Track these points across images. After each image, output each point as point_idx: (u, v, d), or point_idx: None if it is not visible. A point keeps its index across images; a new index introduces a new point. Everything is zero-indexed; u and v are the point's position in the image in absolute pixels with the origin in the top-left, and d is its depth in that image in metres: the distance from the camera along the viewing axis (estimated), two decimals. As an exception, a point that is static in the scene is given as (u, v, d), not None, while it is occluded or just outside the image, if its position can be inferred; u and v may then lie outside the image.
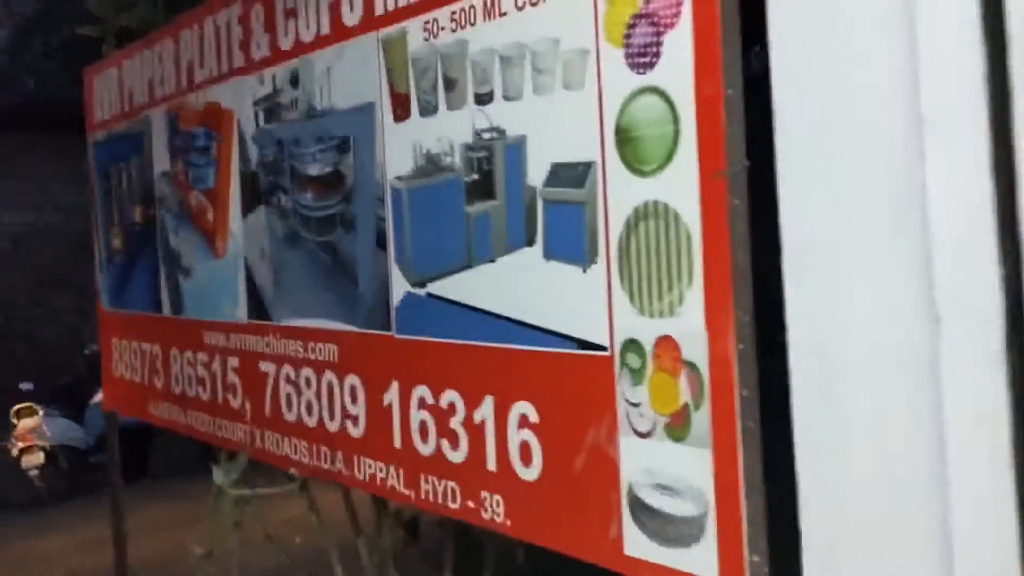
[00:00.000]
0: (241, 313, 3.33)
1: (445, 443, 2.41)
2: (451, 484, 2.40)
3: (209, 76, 3.45)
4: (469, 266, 2.30)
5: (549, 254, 2.08)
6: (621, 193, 1.89)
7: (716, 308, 1.73)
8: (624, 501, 1.93)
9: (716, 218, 1.72)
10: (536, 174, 2.09)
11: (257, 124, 3.16)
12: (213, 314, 3.53)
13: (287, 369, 3.07)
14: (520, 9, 2.10)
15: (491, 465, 2.26)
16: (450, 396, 2.39)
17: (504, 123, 2.17)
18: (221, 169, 3.39)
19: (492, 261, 2.23)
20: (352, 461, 2.78)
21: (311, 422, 2.96)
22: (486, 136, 2.23)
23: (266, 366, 3.19)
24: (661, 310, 1.83)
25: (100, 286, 4.66)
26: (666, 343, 1.82)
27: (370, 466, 2.70)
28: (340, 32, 2.72)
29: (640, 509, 1.89)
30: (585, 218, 1.98)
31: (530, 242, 2.12)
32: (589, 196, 1.96)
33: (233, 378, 3.42)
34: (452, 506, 2.39)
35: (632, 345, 1.89)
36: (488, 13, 2.19)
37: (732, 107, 1.69)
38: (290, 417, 3.07)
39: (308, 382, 2.97)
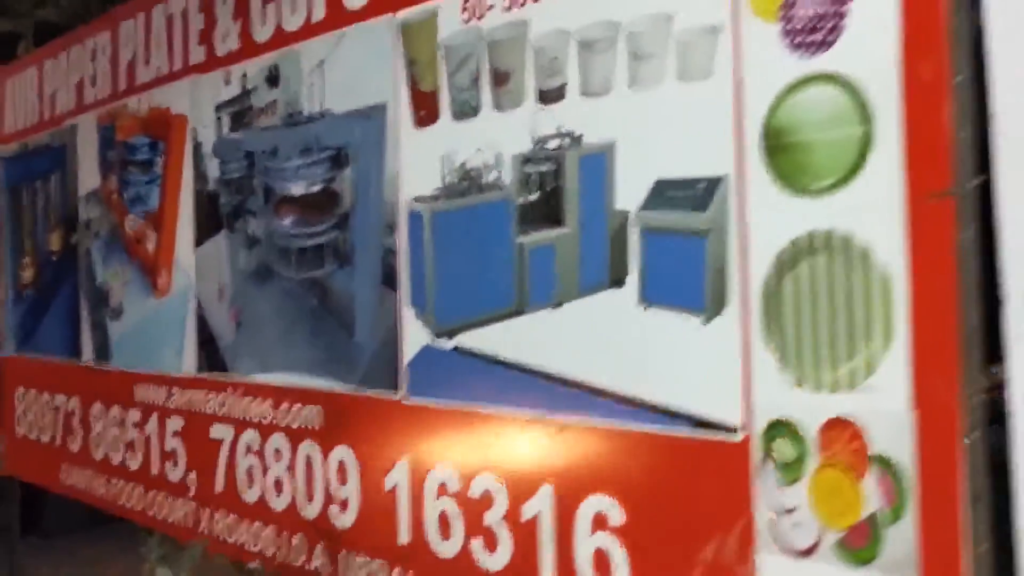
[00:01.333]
0: (188, 364, 2.71)
1: (477, 543, 1.85)
2: (484, 598, 1.83)
3: (156, 75, 2.85)
4: (520, 312, 1.77)
5: (648, 299, 1.55)
6: (771, 219, 1.39)
7: (931, 381, 1.23)
8: (764, 643, 1.40)
9: (934, 255, 1.22)
10: (629, 193, 1.58)
11: (219, 133, 2.57)
12: (150, 364, 2.89)
13: (250, 436, 2.47)
14: (609, -22, 1.60)
15: (547, 577, 1.71)
16: (485, 483, 1.83)
17: (581, 126, 1.66)
18: (168, 188, 2.78)
19: (557, 306, 1.70)
20: (337, 557, 2.18)
21: (280, 504, 2.36)
22: (552, 144, 1.70)
23: (220, 431, 2.57)
24: (834, 381, 1.32)
25: (3, 326, 3.95)
26: (842, 429, 1.31)
27: (363, 565, 2.11)
28: (339, 17, 2.17)
29: (791, 656, 1.36)
30: (707, 252, 1.46)
31: (617, 282, 1.60)
32: (715, 223, 1.45)
33: (174, 443, 2.79)
34: (485, 627, 1.83)
35: (783, 429, 1.37)
36: (559, -15, 1.68)
37: (962, 100, 1.21)
38: (251, 496, 2.46)
39: (278, 453, 2.36)
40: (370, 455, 2.10)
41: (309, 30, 2.26)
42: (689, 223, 1.48)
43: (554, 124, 1.70)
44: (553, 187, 1.71)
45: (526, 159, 1.75)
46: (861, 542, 1.29)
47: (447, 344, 1.91)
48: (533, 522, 1.74)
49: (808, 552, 1.35)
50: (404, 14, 2.00)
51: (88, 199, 3.23)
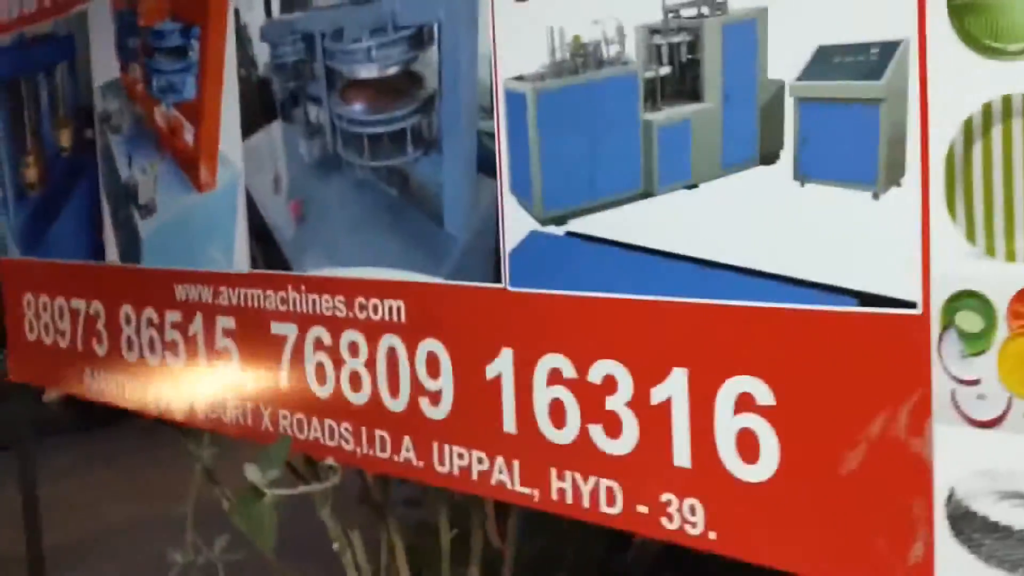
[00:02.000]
0: (239, 260, 2.61)
1: (597, 429, 1.82)
2: (607, 483, 1.82)
3: (187, -47, 2.67)
4: (649, 194, 1.71)
5: (806, 174, 1.50)
6: (958, 84, 1.33)
7: None
8: (940, 514, 1.40)
9: None
10: (783, 63, 1.51)
11: (268, 14, 2.42)
12: (192, 262, 2.79)
13: (318, 332, 2.40)
14: None
15: (682, 460, 1.70)
16: (606, 368, 1.80)
17: (724, -7, 1.57)
18: (207, 75, 2.63)
19: (693, 187, 1.64)
20: (430, 450, 2.15)
21: (359, 399, 2.31)
22: (689, 12, 1.62)
23: (282, 328, 2.50)
24: (1032, 249, 1.29)
25: (4, 229, 3.78)
26: (1038, 296, 1.29)
27: (462, 456, 2.08)
28: None
29: (971, 526, 1.37)
30: (881, 122, 1.41)
31: (768, 158, 1.54)
32: (892, 90, 1.39)
33: (225, 343, 2.71)
34: (609, 511, 1.82)
35: (969, 300, 1.35)
36: None
37: None
38: (323, 392, 2.40)
39: (355, 349, 2.30)
40: (466, 348, 2.05)
41: (377, -102, 2.11)
42: (861, 91, 1.42)
43: (691, -9, 1.61)
44: (689, 60, 1.63)
45: (655, 30, 1.66)
46: (1057, 410, 1.29)
47: (558, 230, 1.85)
48: (664, 406, 1.71)
49: (994, 422, 1.34)
50: None
51: (105, 91, 3.05)
